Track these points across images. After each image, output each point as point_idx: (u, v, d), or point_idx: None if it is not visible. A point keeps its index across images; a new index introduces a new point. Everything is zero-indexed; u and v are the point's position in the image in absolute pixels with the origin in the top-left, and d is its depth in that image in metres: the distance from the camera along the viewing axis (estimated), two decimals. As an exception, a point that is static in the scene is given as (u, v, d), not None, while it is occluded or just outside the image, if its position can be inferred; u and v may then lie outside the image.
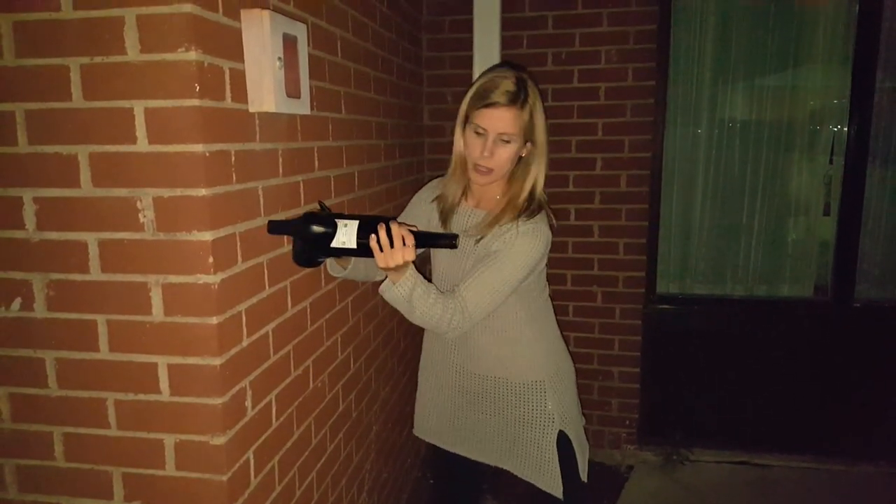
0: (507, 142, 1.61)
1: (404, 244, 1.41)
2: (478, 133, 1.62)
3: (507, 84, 1.59)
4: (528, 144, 1.66)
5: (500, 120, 1.59)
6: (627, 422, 3.34)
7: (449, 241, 1.47)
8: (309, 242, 1.45)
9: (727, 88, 3.24)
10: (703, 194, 3.33)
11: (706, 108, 3.26)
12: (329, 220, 1.45)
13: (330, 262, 1.70)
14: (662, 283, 3.38)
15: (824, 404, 3.25)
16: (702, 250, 3.39)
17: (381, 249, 1.41)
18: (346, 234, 1.43)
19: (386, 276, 1.53)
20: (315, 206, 1.63)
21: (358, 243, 1.43)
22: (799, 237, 3.33)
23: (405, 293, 1.51)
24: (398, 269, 1.46)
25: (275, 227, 1.41)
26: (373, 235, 1.41)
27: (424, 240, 1.48)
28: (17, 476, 1.33)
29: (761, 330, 3.28)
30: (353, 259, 1.67)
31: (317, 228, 1.43)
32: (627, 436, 3.35)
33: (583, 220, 3.16)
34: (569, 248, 3.19)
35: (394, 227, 1.41)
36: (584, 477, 1.82)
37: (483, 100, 1.60)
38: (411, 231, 1.44)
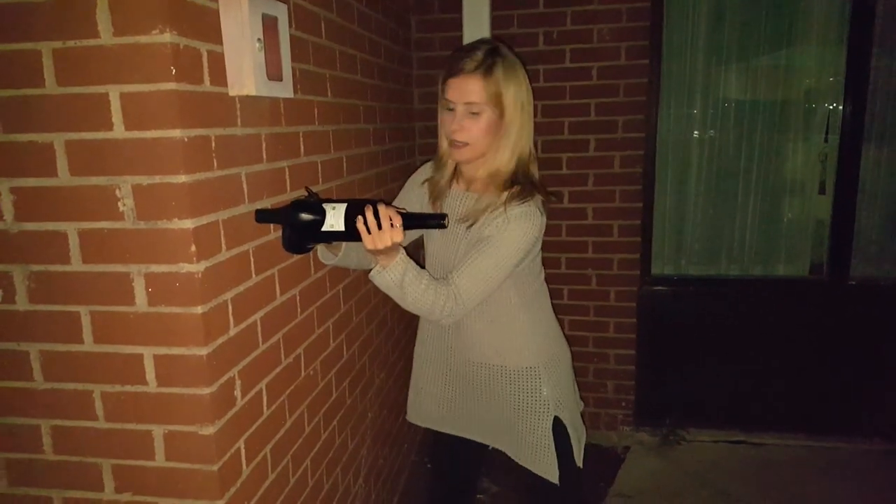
0: (476, 113, 1.57)
1: (392, 225, 1.39)
2: (449, 108, 1.59)
3: (476, 53, 1.56)
4: (505, 117, 1.60)
5: (464, 90, 1.56)
6: (623, 403, 3.34)
7: (437, 221, 1.44)
8: (298, 229, 1.45)
9: (722, 67, 3.21)
10: (698, 174, 3.32)
11: (700, 86, 3.23)
12: (317, 205, 1.44)
13: (321, 250, 1.68)
14: (657, 265, 3.37)
15: (820, 382, 3.25)
16: (697, 231, 3.38)
17: (369, 231, 1.39)
18: (334, 218, 1.42)
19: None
20: (302, 193, 1.60)
21: (346, 226, 1.42)
22: (794, 216, 3.32)
23: (396, 278, 1.49)
24: (388, 252, 1.44)
25: (262, 217, 1.40)
26: (360, 217, 1.40)
27: (412, 221, 1.46)
28: (6, 470, 1.32)
29: (757, 309, 3.28)
30: (343, 245, 1.65)
31: (305, 216, 1.42)
32: (624, 417, 3.35)
33: (576, 202, 3.14)
34: (563, 231, 3.17)
35: (381, 209, 1.39)
36: (579, 462, 1.81)
37: (449, 71, 1.57)
38: (399, 212, 1.42)
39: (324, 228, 1.43)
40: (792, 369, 3.27)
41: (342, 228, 1.42)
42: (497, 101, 1.57)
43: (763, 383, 3.30)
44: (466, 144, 1.60)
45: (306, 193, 1.53)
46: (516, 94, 1.58)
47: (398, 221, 1.40)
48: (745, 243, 3.35)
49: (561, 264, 3.21)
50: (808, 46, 3.17)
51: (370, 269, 1.54)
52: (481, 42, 1.64)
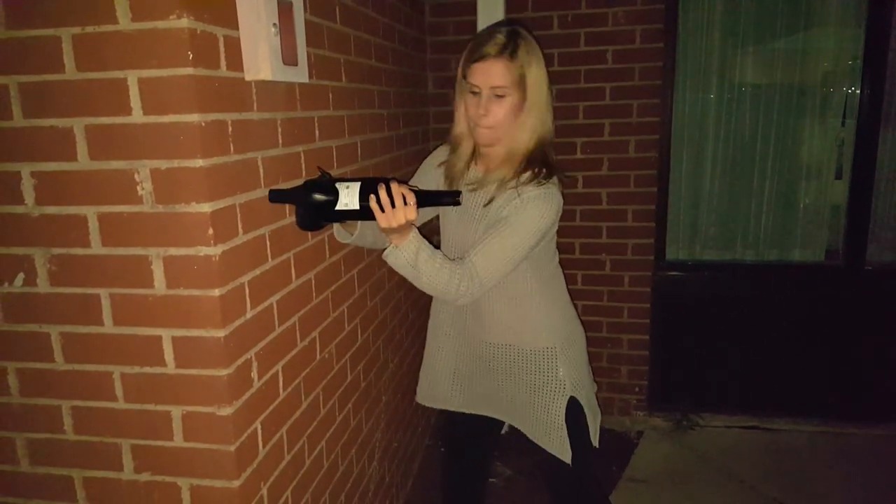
0: (501, 96, 1.57)
1: (406, 203, 1.40)
2: (473, 92, 1.59)
3: (498, 37, 1.55)
4: (528, 99, 1.61)
5: (490, 74, 1.55)
6: (637, 388, 3.34)
7: (452, 198, 1.45)
8: (311, 209, 1.46)
9: (738, 49, 3.17)
10: (714, 159, 3.29)
11: (716, 70, 3.20)
12: (330, 185, 1.44)
13: (337, 228, 1.70)
14: (672, 250, 3.36)
15: (835, 368, 3.24)
16: (712, 216, 3.36)
17: (382, 210, 1.40)
18: (348, 197, 1.42)
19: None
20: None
21: (360, 205, 1.42)
22: (810, 201, 3.28)
23: (409, 257, 1.50)
24: (401, 230, 1.45)
25: (276, 197, 1.41)
26: (372, 196, 1.40)
27: (426, 198, 1.46)
28: (28, 449, 1.35)
29: (772, 295, 3.26)
30: (359, 224, 1.66)
31: (318, 196, 1.43)
32: (637, 402, 3.35)
33: (591, 187, 3.13)
34: (577, 216, 3.16)
35: (394, 187, 1.40)
36: (595, 442, 1.83)
37: (473, 54, 1.57)
38: (413, 190, 1.42)
39: (337, 208, 1.43)
40: (806, 355, 3.25)
41: (356, 207, 1.43)
42: (521, 84, 1.58)
43: (777, 369, 3.29)
44: (491, 128, 1.61)
45: (319, 173, 1.54)
46: (538, 75, 1.60)
47: (412, 199, 1.41)
48: (761, 228, 3.32)
49: (575, 249, 3.20)
50: (825, 29, 3.12)
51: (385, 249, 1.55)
52: (500, 25, 1.63)
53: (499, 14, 2.67)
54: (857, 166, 3.10)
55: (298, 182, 1.55)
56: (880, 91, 2.99)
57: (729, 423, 3.31)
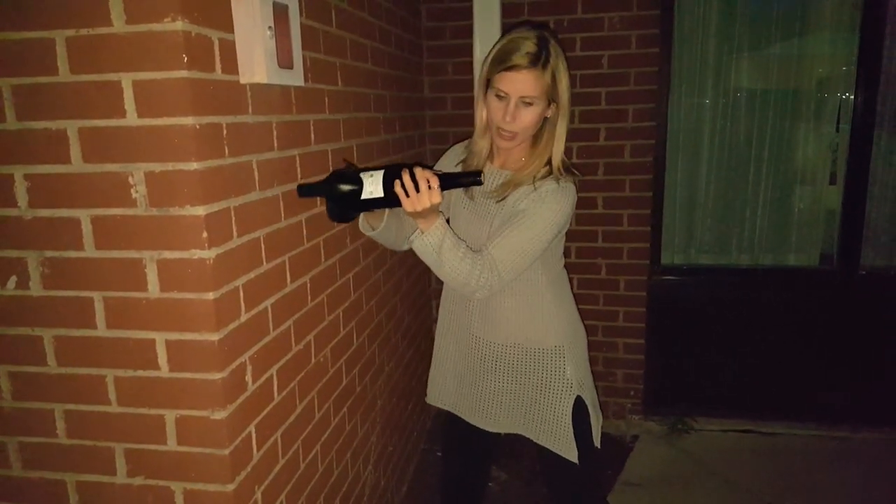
0: (530, 104, 1.59)
1: (430, 187, 1.43)
2: (499, 97, 1.61)
3: (528, 45, 1.56)
4: (553, 105, 1.64)
5: (521, 83, 1.57)
6: (632, 392, 3.34)
7: (473, 178, 1.47)
8: (338, 200, 1.50)
9: (733, 55, 3.18)
10: (709, 163, 3.30)
11: (711, 75, 3.21)
12: (355, 175, 1.48)
13: (361, 220, 1.72)
14: (667, 254, 3.36)
15: (829, 372, 3.25)
16: (707, 220, 3.36)
17: (407, 194, 1.43)
18: (372, 185, 1.46)
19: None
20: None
21: (385, 191, 1.45)
22: (805, 206, 3.29)
23: (434, 243, 1.52)
24: (427, 215, 1.48)
25: (304, 191, 1.47)
26: (397, 181, 1.43)
27: (449, 181, 1.48)
28: (20, 454, 1.34)
29: (767, 299, 3.27)
30: (384, 218, 1.68)
31: (344, 186, 1.48)
32: (632, 406, 3.36)
33: (587, 191, 3.13)
34: (572, 220, 3.14)
35: (417, 171, 1.43)
36: (597, 443, 1.83)
37: (504, 63, 1.58)
38: (436, 173, 1.45)
39: (363, 196, 1.47)
40: (801, 359, 3.26)
41: (381, 195, 1.46)
42: (551, 94, 1.61)
43: (772, 373, 3.29)
44: (515, 134, 1.63)
45: (345, 164, 1.56)
46: (566, 82, 1.63)
47: (435, 182, 1.43)
48: (756, 233, 3.33)
49: (570, 253, 3.20)
50: (820, 35, 3.13)
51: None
52: (526, 29, 1.63)
53: (495, 19, 2.67)
54: (852, 171, 3.12)
55: (294, 186, 1.55)
56: (874, 97, 3.01)
57: (724, 426, 3.31)
